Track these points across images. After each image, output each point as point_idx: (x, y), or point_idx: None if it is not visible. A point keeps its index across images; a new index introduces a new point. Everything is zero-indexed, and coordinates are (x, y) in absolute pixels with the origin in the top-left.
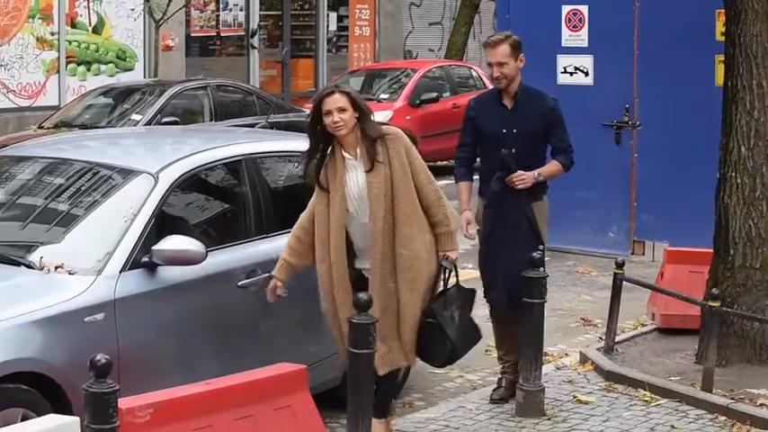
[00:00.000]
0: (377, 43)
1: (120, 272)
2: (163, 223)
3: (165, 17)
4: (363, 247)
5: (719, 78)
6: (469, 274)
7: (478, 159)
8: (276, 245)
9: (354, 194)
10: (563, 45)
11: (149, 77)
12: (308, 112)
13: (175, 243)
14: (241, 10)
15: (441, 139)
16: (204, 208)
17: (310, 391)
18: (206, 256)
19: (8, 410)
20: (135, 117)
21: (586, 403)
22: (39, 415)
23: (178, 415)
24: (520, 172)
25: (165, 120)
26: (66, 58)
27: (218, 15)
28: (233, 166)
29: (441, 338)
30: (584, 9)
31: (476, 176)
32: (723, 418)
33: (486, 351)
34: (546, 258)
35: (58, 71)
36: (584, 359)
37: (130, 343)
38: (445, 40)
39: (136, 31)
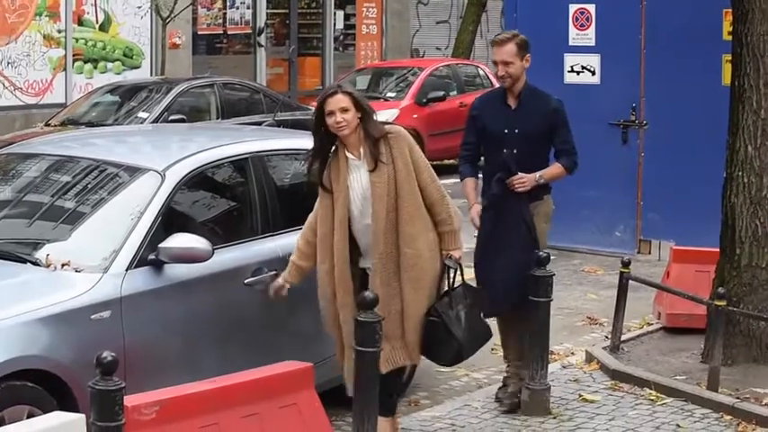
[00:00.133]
0: (384, 42)
1: (127, 269)
2: (169, 221)
3: (172, 15)
4: (367, 247)
5: (726, 77)
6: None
7: (483, 159)
8: (282, 243)
9: (358, 194)
10: (570, 44)
11: (156, 75)
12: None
13: (182, 241)
14: (248, 8)
15: (447, 138)
16: (211, 206)
17: (316, 389)
18: (212, 253)
19: (14, 408)
20: (142, 115)
21: (592, 402)
22: (44, 412)
23: (184, 412)
24: (520, 174)
25: (171, 117)
26: (73, 55)
27: (225, 13)
28: (240, 163)
29: (446, 338)
30: (591, 8)
31: (480, 175)
32: (729, 417)
33: (492, 350)
34: (552, 257)
35: (65, 69)
36: (589, 358)
37: (136, 340)
38: (452, 38)
39: (143, 28)
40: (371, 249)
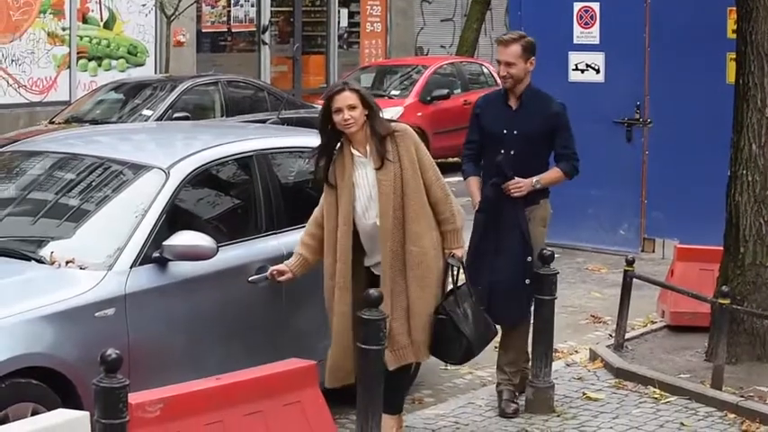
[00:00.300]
0: (388, 39)
1: (131, 267)
2: (174, 219)
3: (177, 13)
4: (372, 245)
5: (731, 76)
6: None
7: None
8: (287, 241)
9: (364, 192)
10: (574, 42)
11: (160, 73)
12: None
13: (186, 238)
14: (252, 6)
15: (452, 136)
16: (215, 203)
17: (320, 386)
18: (217, 251)
19: (18, 405)
20: (146, 112)
21: (596, 400)
22: (49, 410)
23: (188, 410)
24: (517, 179)
25: (176, 115)
26: (78, 53)
27: (229, 11)
28: (244, 161)
29: (455, 336)
30: (595, 6)
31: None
32: (732, 415)
33: (495, 348)
34: (556, 255)
35: (69, 66)
36: (593, 356)
37: (141, 338)
38: (456, 36)
39: (147, 26)
40: (381, 247)
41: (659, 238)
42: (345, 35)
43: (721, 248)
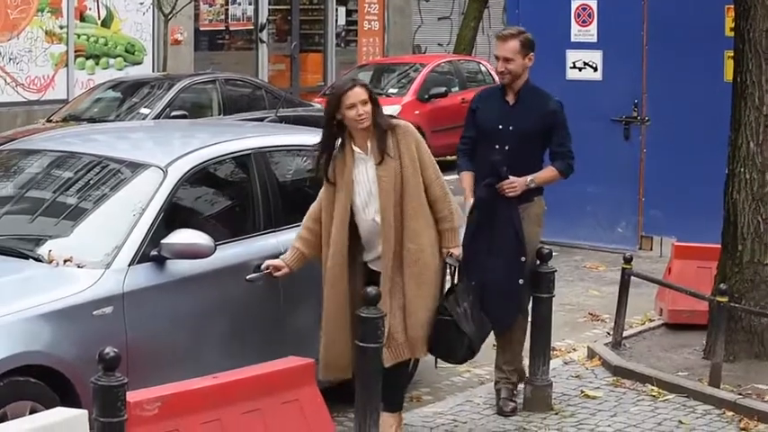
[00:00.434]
0: (386, 38)
1: (129, 265)
2: (172, 217)
3: (174, 11)
4: (370, 241)
5: (728, 74)
6: None
7: None
8: (285, 239)
9: (363, 188)
10: (572, 40)
11: (158, 71)
12: (317, 106)
13: (184, 237)
14: (250, 4)
15: (449, 134)
16: (213, 202)
17: (318, 384)
18: (215, 249)
19: (17, 403)
20: (143, 111)
21: (594, 398)
22: (47, 408)
23: (186, 408)
24: (511, 179)
25: (173, 114)
26: (75, 51)
27: (226, 9)
28: (242, 160)
29: (458, 336)
30: (593, 4)
31: None
32: (731, 413)
33: (494, 345)
34: (554, 253)
35: (67, 65)
36: (591, 354)
37: (139, 336)
38: (454, 34)
39: (145, 24)
40: (383, 243)
41: (657, 235)
42: (343, 33)
43: (719, 246)
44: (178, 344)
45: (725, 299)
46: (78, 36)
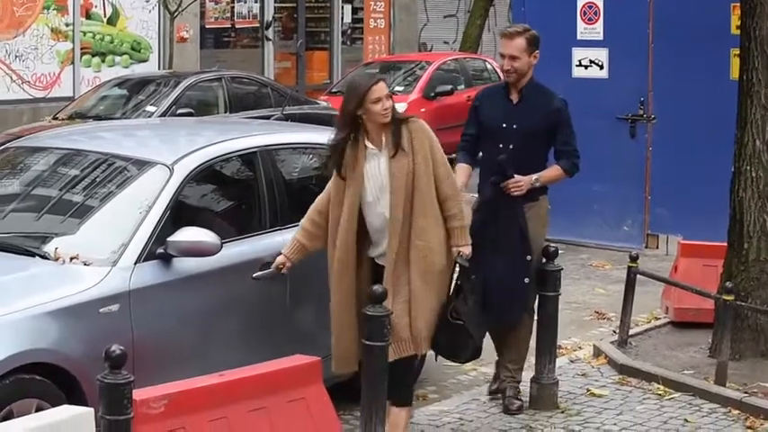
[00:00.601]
0: (391, 35)
1: (135, 263)
2: (178, 215)
3: (180, 9)
4: (379, 236)
5: (734, 72)
6: None
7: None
8: (291, 237)
9: (375, 183)
10: (578, 38)
11: (164, 69)
12: (323, 104)
13: (190, 234)
14: (256, 2)
15: (455, 132)
16: (219, 200)
17: (324, 383)
18: (221, 247)
19: (23, 401)
20: (149, 108)
21: (600, 396)
22: (53, 406)
23: (192, 406)
24: (517, 177)
25: (179, 111)
26: (81, 49)
27: (232, 7)
28: (248, 157)
29: (466, 338)
30: (599, 2)
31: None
32: (736, 411)
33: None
34: (560, 251)
35: (73, 62)
36: (597, 352)
37: (145, 334)
38: (460, 32)
39: (150, 22)
40: (389, 238)
41: (663, 234)
42: (349, 31)
43: (725, 245)
44: (184, 342)
45: (731, 297)
46: (84, 33)
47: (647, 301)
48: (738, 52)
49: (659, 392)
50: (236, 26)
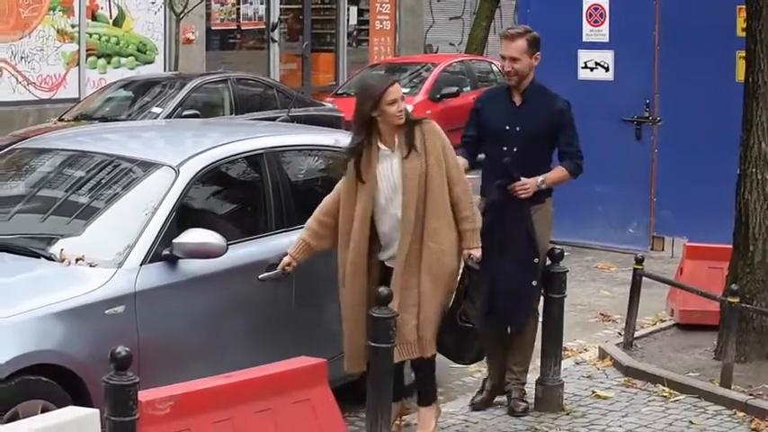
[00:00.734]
0: (397, 37)
1: (141, 265)
2: (183, 216)
3: (186, 10)
4: (390, 238)
5: (740, 74)
6: None
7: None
8: (296, 239)
9: (388, 185)
10: (584, 40)
11: (169, 71)
12: (329, 105)
13: (196, 236)
14: (261, 3)
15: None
16: (225, 201)
17: (330, 384)
18: (227, 249)
19: (28, 402)
20: (155, 110)
21: (605, 398)
22: (58, 407)
23: (198, 408)
24: (523, 180)
25: (185, 113)
26: (87, 50)
27: (238, 9)
28: (254, 159)
29: (472, 340)
30: (605, 4)
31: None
32: (742, 414)
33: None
34: (565, 253)
35: (79, 64)
36: (603, 354)
37: (150, 336)
38: (466, 34)
39: (156, 24)
40: (400, 239)
41: (668, 236)
42: (354, 33)
43: (730, 247)
44: (190, 343)
45: (736, 299)
46: (90, 35)
47: (652, 304)
48: (744, 54)
49: (664, 394)
50: (242, 28)
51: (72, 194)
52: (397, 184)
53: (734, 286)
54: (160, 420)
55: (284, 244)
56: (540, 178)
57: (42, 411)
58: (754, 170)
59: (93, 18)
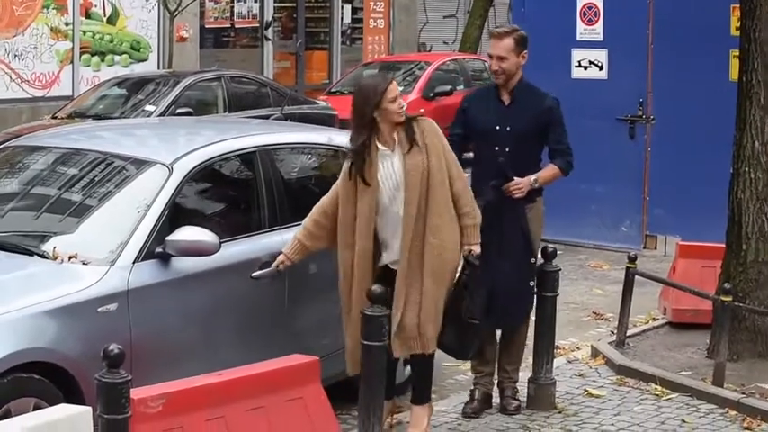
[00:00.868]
0: (391, 36)
1: (134, 262)
2: (177, 214)
3: (180, 8)
4: (391, 239)
5: (734, 73)
6: None
7: (471, 154)
8: (290, 237)
9: (389, 183)
10: (578, 39)
11: (163, 68)
12: (322, 104)
13: (189, 234)
14: (255, 1)
15: None
16: (218, 199)
17: (322, 382)
18: (219, 247)
19: (20, 400)
20: (149, 108)
21: (597, 397)
22: (51, 405)
23: (190, 405)
24: (517, 180)
25: (178, 111)
26: (81, 48)
27: (232, 7)
28: (247, 157)
29: (473, 337)
30: (598, 3)
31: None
32: (734, 412)
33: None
34: (558, 252)
35: (72, 61)
36: (595, 353)
37: (143, 333)
38: (459, 32)
39: (150, 22)
40: (402, 236)
41: (661, 235)
42: (348, 31)
43: (723, 246)
44: (182, 341)
45: (729, 298)
46: (84, 33)
47: (645, 302)
48: (738, 53)
49: (657, 393)
50: (236, 26)
51: (65, 192)
52: (399, 182)
53: (727, 285)
54: (152, 418)
55: (277, 242)
56: (532, 177)
57: (34, 409)
58: (747, 169)
59: (87, 16)
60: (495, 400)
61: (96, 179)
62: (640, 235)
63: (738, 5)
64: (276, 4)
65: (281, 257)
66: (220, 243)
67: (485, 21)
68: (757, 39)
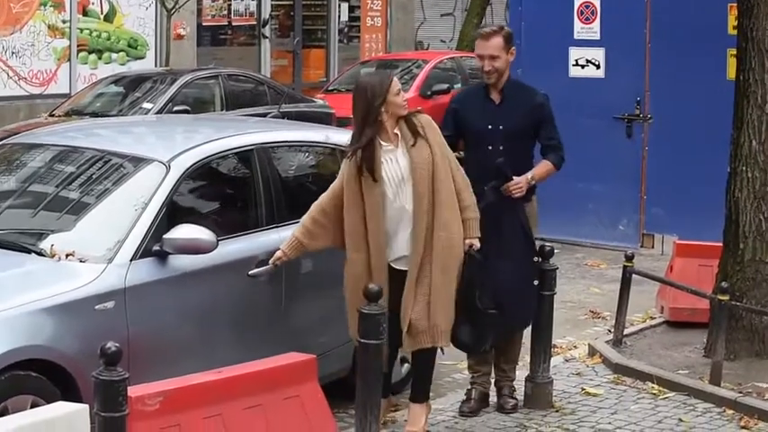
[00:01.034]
0: (388, 34)
1: (131, 260)
2: (174, 212)
3: (177, 6)
4: (395, 233)
5: (731, 72)
6: None
7: (462, 152)
8: (287, 235)
9: (394, 178)
10: (575, 38)
11: (160, 66)
12: (319, 102)
13: (186, 232)
14: (253, 0)
15: None
16: (215, 197)
17: (319, 381)
18: (217, 245)
19: (18, 397)
20: (146, 106)
21: (594, 396)
22: (48, 402)
23: (187, 403)
24: (516, 179)
25: (176, 109)
26: (78, 46)
27: (229, 5)
28: (245, 155)
29: (488, 329)
30: (596, 1)
31: None
32: (731, 411)
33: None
34: (556, 251)
35: (70, 59)
36: (592, 351)
37: (140, 331)
38: (457, 31)
39: (147, 19)
40: (413, 230)
41: (658, 233)
42: (346, 29)
43: (721, 245)
44: (180, 339)
45: (726, 297)
46: (81, 30)
47: (642, 301)
48: (735, 52)
49: (654, 392)
50: (233, 24)
51: (62, 190)
52: (405, 176)
53: (724, 284)
54: (150, 416)
55: (275, 240)
56: (528, 175)
57: (32, 407)
58: (744, 168)
59: (84, 13)
60: (493, 398)
61: (94, 177)
62: (637, 234)
63: (736, 4)
64: (273, 2)
65: (278, 253)
66: (218, 241)
67: (482, 19)
68: (754, 38)
